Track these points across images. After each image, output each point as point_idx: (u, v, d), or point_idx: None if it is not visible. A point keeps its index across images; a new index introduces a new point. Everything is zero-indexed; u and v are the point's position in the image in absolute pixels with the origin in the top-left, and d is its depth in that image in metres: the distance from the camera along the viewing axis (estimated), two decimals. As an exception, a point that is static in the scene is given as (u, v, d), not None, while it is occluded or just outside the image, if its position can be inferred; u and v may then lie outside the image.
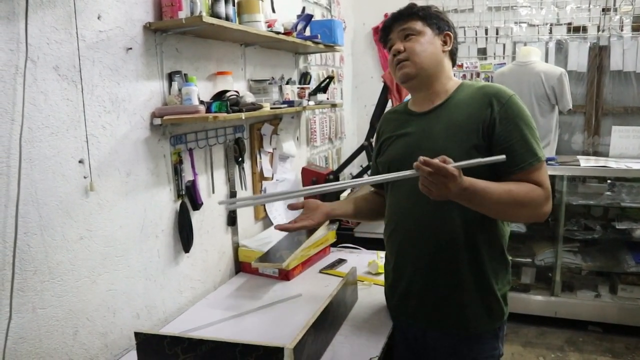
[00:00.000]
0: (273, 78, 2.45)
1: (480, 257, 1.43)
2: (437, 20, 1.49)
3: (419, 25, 1.47)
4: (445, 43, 1.50)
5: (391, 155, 1.55)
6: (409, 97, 1.65)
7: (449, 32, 1.50)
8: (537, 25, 3.91)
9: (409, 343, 1.57)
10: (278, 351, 1.25)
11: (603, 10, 3.74)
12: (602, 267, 3.53)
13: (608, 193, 3.53)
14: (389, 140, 1.59)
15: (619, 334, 3.33)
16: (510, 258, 1.54)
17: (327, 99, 2.82)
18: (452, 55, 1.54)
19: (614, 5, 3.70)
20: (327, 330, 1.54)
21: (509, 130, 1.37)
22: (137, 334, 1.39)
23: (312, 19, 2.59)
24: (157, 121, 1.72)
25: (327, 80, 2.83)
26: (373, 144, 2.72)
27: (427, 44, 1.47)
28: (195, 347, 1.33)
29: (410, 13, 1.49)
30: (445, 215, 1.41)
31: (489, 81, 3.98)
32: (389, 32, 1.52)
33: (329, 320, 1.56)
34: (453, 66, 1.56)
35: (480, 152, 1.36)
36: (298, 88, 2.55)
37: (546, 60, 3.86)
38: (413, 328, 1.54)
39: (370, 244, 2.53)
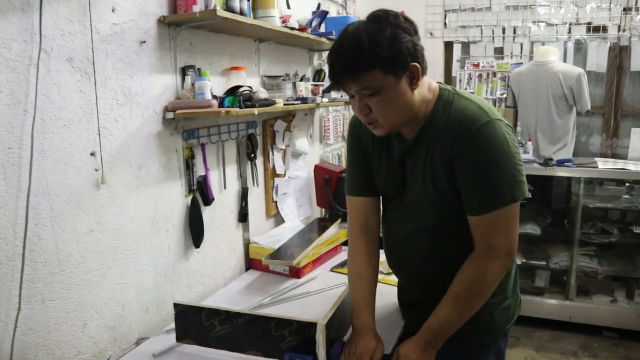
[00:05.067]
0: (287, 74, 2.44)
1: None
2: (396, 60, 1.16)
3: (378, 77, 1.16)
4: (412, 78, 1.21)
5: (384, 185, 1.44)
6: None
7: (415, 64, 1.18)
8: (556, 25, 3.85)
9: None
10: (311, 326, 1.34)
11: (624, 9, 3.67)
12: (619, 272, 3.47)
13: (626, 196, 3.46)
14: (373, 157, 1.43)
15: (635, 340, 3.26)
16: (513, 272, 1.44)
17: (341, 96, 2.79)
18: (424, 71, 1.24)
19: (636, 4, 3.63)
20: (336, 327, 1.53)
21: (464, 172, 1.22)
22: (176, 305, 1.50)
23: (327, 16, 2.57)
24: (170, 115, 1.72)
25: (342, 77, 2.80)
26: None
27: (392, 100, 1.20)
28: (232, 320, 1.43)
29: (361, 66, 1.15)
30: (418, 241, 1.39)
31: (505, 81, 3.96)
32: (342, 86, 1.22)
33: (338, 319, 1.54)
34: (426, 71, 1.25)
35: (456, 193, 1.27)
36: (312, 85, 2.54)
37: (564, 60, 3.80)
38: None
39: (382, 243, 2.49)
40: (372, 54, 1.14)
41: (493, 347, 1.43)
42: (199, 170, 1.91)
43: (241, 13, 1.82)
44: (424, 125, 1.29)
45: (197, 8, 1.67)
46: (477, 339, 1.40)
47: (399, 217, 1.42)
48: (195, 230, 1.89)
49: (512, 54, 4.02)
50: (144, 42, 1.62)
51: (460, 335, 1.35)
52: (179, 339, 1.53)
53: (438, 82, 1.34)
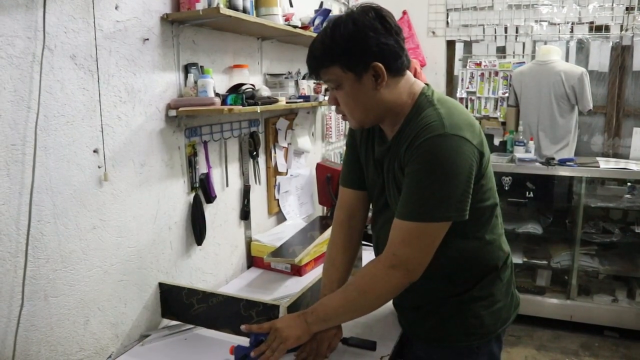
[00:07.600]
0: (289, 72, 2.44)
1: (444, 278, 1.33)
2: (355, 57, 1.19)
3: (337, 72, 1.21)
4: (377, 77, 1.21)
5: (370, 185, 1.45)
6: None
7: (377, 63, 1.19)
8: (558, 24, 3.85)
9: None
10: (275, 308, 1.48)
11: (627, 9, 3.66)
12: (620, 272, 3.47)
13: (628, 196, 3.47)
14: (362, 155, 1.45)
15: (636, 340, 3.27)
16: (506, 274, 1.41)
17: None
18: (396, 72, 1.24)
19: (638, 4, 3.62)
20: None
21: (407, 174, 1.20)
22: (160, 284, 1.69)
23: (330, 14, 2.56)
24: (173, 113, 1.72)
25: (344, 76, 2.80)
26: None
27: (353, 96, 1.24)
28: (207, 299, 1.58)
29: (321, 60, 1.23)
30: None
31: (507, 80, 3.95)
32: (312, 76, 1.31)
33: (305, 305, 1.58)
34: (402, 72, 1.26)
35: None
36: (314, 83, 2.53)
37: (567, 60, 3.80)
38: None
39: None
40: (330, 51, 1.21)
41: (484, 350, 1.39)
42: (202, 168, 1.91)
43: (244, 11, 1.82)
44: (399, 130, 1.28)
45: (200, 6, 1.66)
46: (466, 341, 1.36)
47: (384, 221, 1.40)
48: (197, 228, 1.89)
49: (514, 53, 4.02)
50: (147, 39, 1.62)
51: (449, 338, 1.36)
52: (164, 315, 1.70)
53: (426, 84, 1.31)
